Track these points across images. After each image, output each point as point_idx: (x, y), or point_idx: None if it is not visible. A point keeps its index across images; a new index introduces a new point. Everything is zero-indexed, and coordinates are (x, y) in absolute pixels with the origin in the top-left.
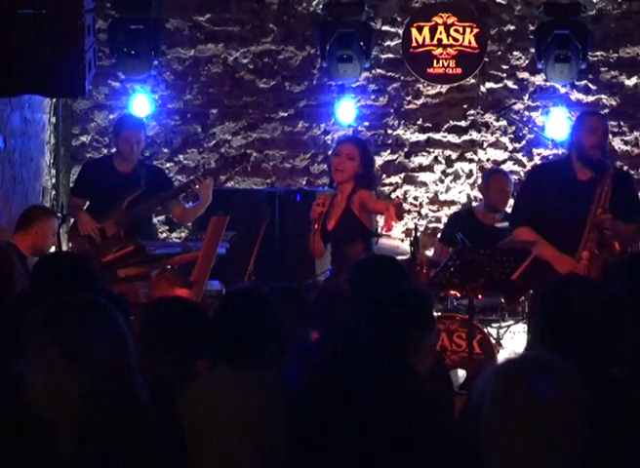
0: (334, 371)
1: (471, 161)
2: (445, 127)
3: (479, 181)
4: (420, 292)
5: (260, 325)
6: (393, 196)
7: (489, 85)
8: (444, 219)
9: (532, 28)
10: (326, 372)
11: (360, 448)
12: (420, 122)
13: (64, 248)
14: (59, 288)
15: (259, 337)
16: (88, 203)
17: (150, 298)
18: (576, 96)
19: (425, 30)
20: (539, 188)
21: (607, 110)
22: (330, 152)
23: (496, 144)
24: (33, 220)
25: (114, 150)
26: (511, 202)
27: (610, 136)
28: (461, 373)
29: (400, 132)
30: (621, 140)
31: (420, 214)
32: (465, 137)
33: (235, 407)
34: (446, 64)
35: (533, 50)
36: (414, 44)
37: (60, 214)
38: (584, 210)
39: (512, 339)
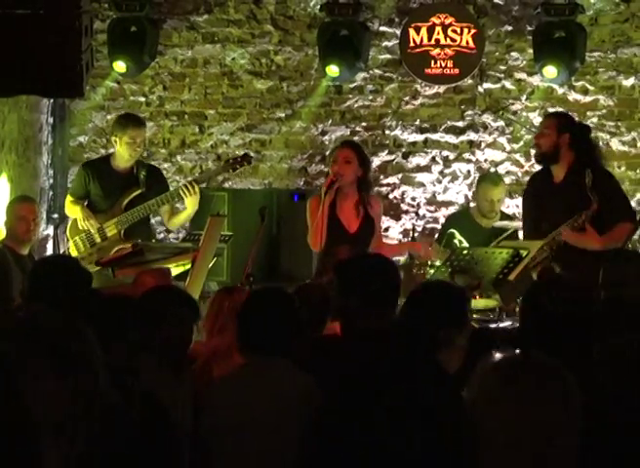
0: (362, 368)
1: (469, 161)
2: (443, 127)
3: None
4: (455, 289)
5: (287, 319)
6: (391, 196)
7: (487, 85)
8: (441, 220)
9: (529, 29)
10: (355, 369)
11: (387, 447)
12: (417, 122)
13: (62, 247)
14: (51, 292)
15: (288, 331)
16: (86, 203)
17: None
18: (573, 96)
19: (423, 31)
20: (526, 196)
21: (604, 111)
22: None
23: (493, 145)
24: (5, 217)
25: (112, 150)
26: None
27: (607, 137)
28: None
29: (398, 132)
30: (619, 141)
31: (417, 214)
32: (463, 138)
33: (266, 399)
34: (444, 65)
35: (530, 50)
36: (411, 44)
37: (57, 215)
38: (555, 212)
39: None
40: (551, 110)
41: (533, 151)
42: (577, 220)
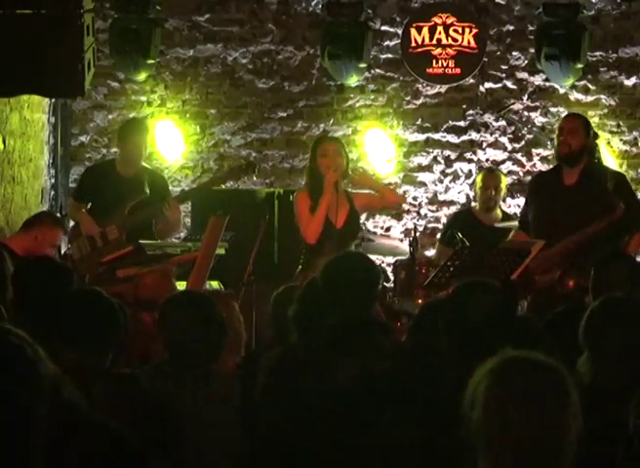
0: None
1: (470, 161)
2: (444, 127)
3: None
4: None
5: None
6: None
7: (488, 85)
8: (443, 219)
9: (531, 28)
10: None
11: (387, 452)
12: (419, 122)
13: (64, 247)
14: (36, 293)
15: None
16: (89, 206)
17: (146, 297)
18: (575, 96)
19: (425, 30)
20: (531, 196)
21: (606, 110)
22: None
23: (495, 144)
24: (37, 224)
25: (116, 152)
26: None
27: (609, 136)
28: None
29: (399, 132)
30: (620, 140)
31: (419, 214)
32: (464, 138)
33: None
34: (445, 64)
35: (532, 50)
36: (413, 44)
37: (58, 215)
38: (567, 214)
39: None
40: (573, 111)
41: (541, 149)
42: (599, 224)
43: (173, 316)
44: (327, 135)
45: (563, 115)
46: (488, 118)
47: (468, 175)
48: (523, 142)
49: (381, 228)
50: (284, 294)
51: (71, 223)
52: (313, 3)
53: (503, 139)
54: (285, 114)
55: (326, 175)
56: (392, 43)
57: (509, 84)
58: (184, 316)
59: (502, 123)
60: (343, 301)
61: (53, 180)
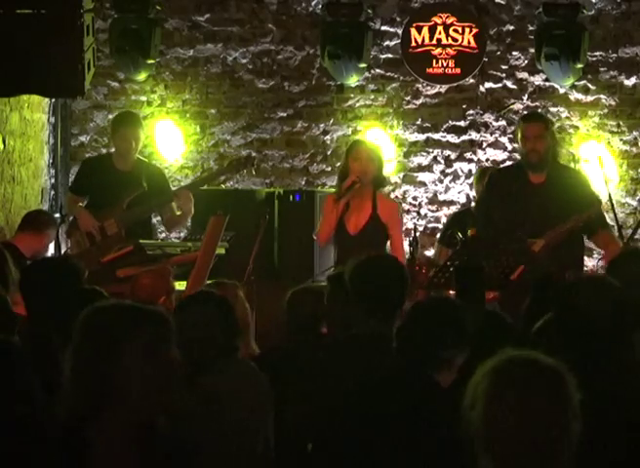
0: (357, 379)
1: (470, 161)
2: (444, 127)
3: None
4: (458, 307)
5: None
6: (392, 196)
7: (488, 85)
8: (443, 219)
9: (531, 28)
10: (348, 379)
11: (377, 459)
12: (419, 122)
13: (64, 246)
14: (46, 291)
15: None
16: (87, 200)
17: (142, 297)
18: (575, 96)
19: (425, 30)
20: (495, 194)
21: (606, 110)
22: (344, 156)
23: (495, 144)
24: (45, 227)
25: (113, 149)
26: None
27: (609, 136)
28: None
29: (399, 131)
30: (620, 140)
31: (419, 213)
32: (465, 137)
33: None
34: (445, 64)
35: (532, 50)
36: (413, 44)
37: (59, 215)
38: (537, 212)
39: None
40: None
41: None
42: (579, 219)
43: (184, 316)
44: (364, 139)
45: (563, 115)
46: (488, 118)
47: (468, 175)
48: None
49: None
50: (300, 293)
51: (70, 219)
52: (313, 3)
53: (503, 139)
54: (285, 114)
55: None
56: (392, 43)
57: (509, 84)
58: (198, 315)
59: (502, 123)
60: (370, 304)
61: (53, 180)
